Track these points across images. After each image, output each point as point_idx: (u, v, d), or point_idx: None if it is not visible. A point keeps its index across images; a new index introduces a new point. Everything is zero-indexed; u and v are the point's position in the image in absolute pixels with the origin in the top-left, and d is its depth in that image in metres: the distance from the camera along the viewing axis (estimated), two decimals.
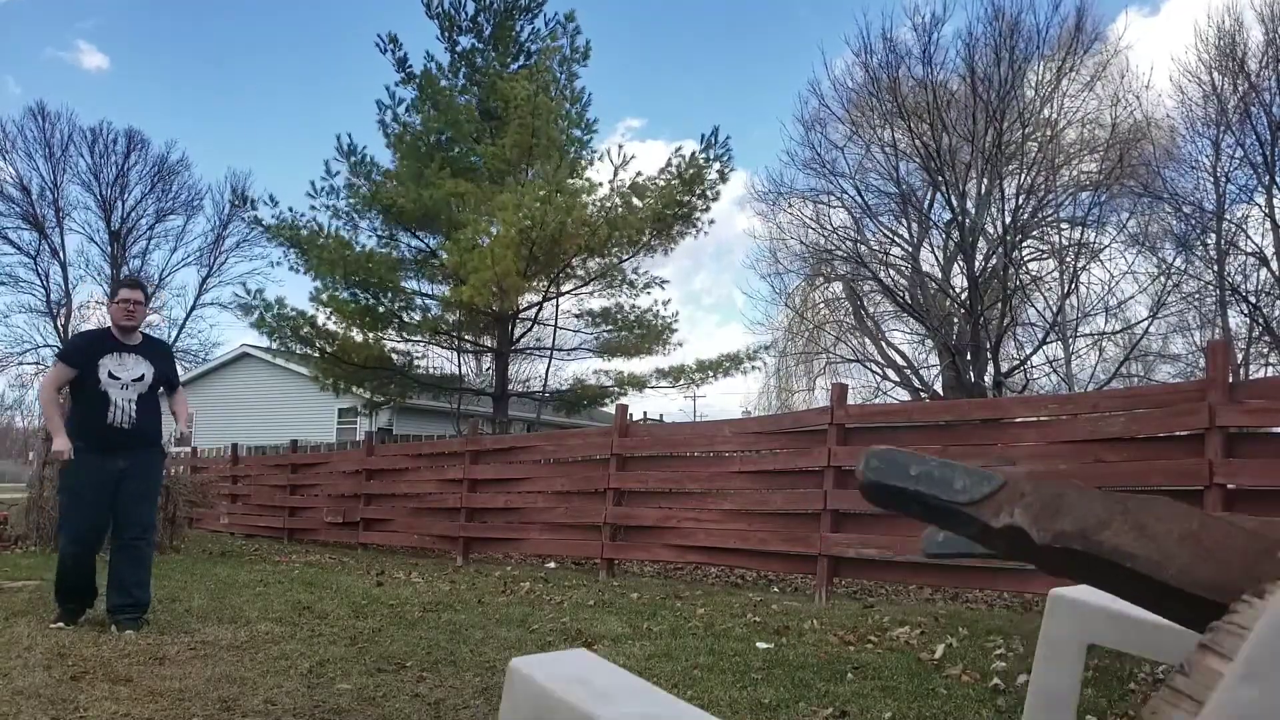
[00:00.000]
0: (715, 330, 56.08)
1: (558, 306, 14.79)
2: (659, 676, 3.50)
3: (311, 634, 4.39)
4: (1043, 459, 5.22)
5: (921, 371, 19.52)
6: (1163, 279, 16.97)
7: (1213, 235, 16.82)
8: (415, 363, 15.35)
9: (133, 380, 4.53)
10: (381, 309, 13.91)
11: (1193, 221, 16.99)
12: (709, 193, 13.12)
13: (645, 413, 26.44)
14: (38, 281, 32.14)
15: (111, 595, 4.49)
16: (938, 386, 18.60)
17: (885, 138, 18.09)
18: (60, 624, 4.44)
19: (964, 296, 17.53)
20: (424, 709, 3.10)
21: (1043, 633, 2.05)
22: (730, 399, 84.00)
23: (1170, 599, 0.89)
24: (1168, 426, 4.84)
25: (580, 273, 14.09)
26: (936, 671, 3.57)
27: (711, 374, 14.62)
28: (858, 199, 18.82)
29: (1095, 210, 16.90)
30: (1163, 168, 17.18)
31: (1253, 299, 16.44)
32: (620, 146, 24.10)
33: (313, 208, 13.67)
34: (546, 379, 15.68)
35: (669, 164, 13.04)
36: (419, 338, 14.86)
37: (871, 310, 20.24)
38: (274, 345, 15.10)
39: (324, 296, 13.31)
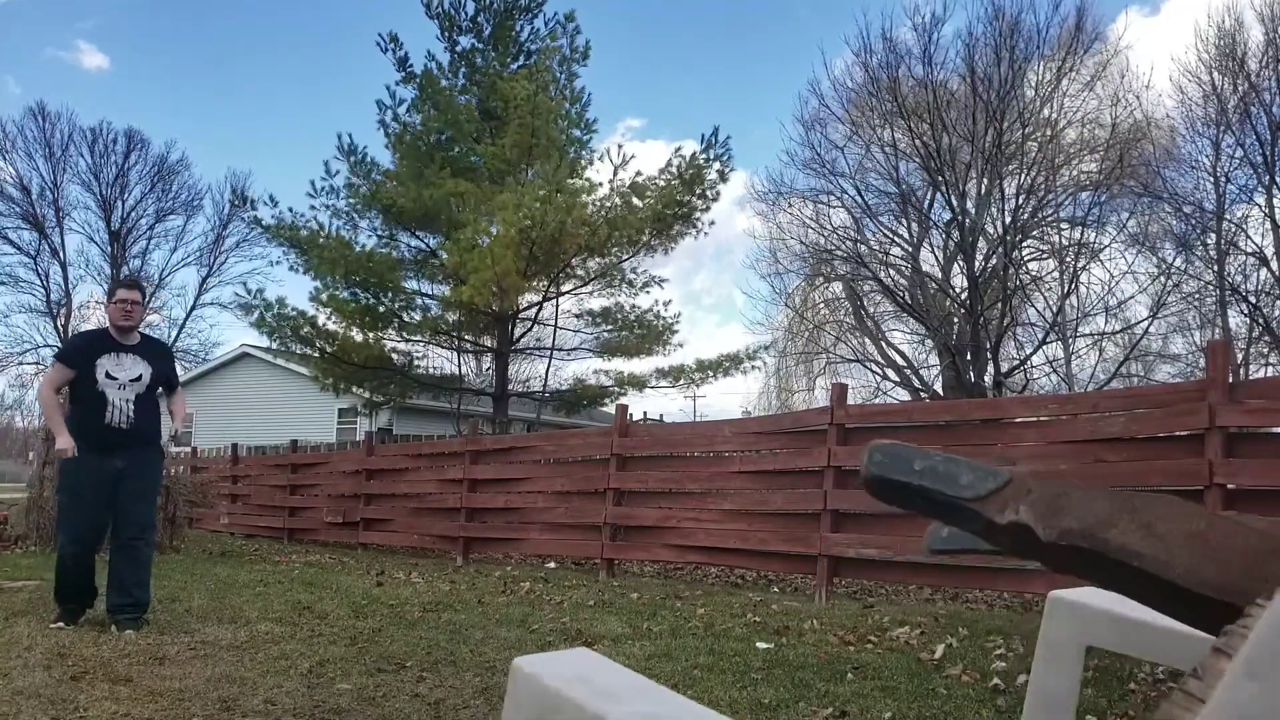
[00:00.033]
0: (715, 330, 56.12)
1: (557, 306, 14.82)
2: (659, 677, 3.50)
3: (311, 634, 4.39)
4: (1043, 459, 5.22)
5: (921, 371, 19.53)
6: (1163, 279, 16.99)
7: (1213, 235, 16.83)
8: (415, 363, 15.35)
9: (130, 380, 4.53)
10: (382, 308, 13.92)
11: (1193, 221, 17.00)
12: (709, 193, 13.13)
13: (645, 413, 26.46)
14: (38, 281, 32.18)
15: (111, 595, 4.49)
16: (938, 386, 18.60)
17: (885, 138, 18.10)
18: (60, 624, 4.44)
19: (964, 296, 17.54)
20: (424, 709, 3.10)
21: (1041, 634, 2.05)
22: (730, 399, 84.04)
23: (1176, 598, 0.88)
24: (1168, 426, 4.84)
25: (580, 272, 14.10)
26: (936, 671, 3.57)
27: (711, 374, 14.62)
28: (858, 199, 18.84)
29: (1095, 210, 16.92)
30: (1163, 168, 17.19)
31: (1253, 299, 16.44)
32: (620, 146, 24.14)
33: (312, 208, 13.70)
34: (546, 379, 15.69)
35: (669, 164, 13.07)
36: (419, 337, 14.86)
37: (871, 310, 20.25)
38: (274, 345, 15.10)
39: (324, 296, 13.31)
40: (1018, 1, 17.69)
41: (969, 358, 17.26)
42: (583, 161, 13.88)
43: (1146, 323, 17.16)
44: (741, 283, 64.51)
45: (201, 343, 33.34)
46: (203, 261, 33.59)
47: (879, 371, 19.93)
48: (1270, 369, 16.82)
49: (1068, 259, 17.04)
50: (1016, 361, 18.19)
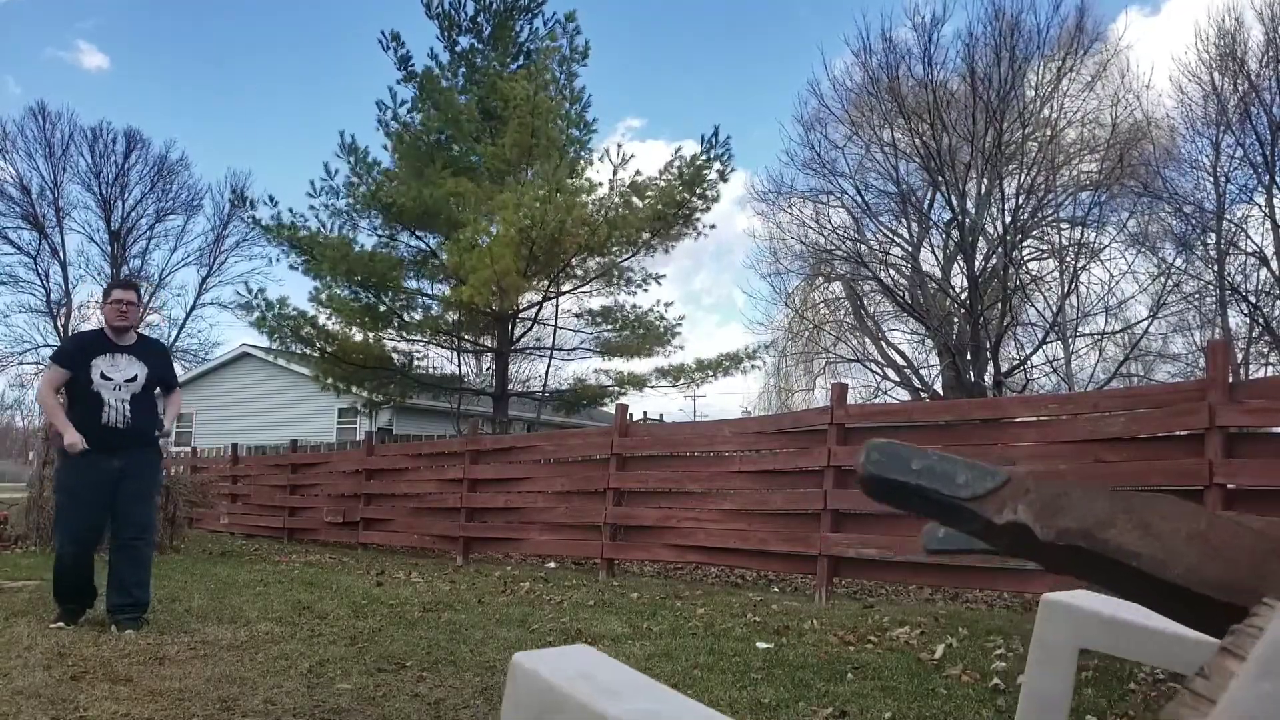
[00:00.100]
0: (715, 330, 56.13)
1: (557, 306, 14.82)
2: (659, 676, 3.50)
3: (311, 634, 4.39)
4: (1043, 459, 5.22)
5: (921, 371, 19.54)
6: (1163, 279, 16.99)
7: (1213, 235, 16.83)
8: (415, 363, 15.35)
9: (125, 381, 4.53)
10: (382, 308, 13.92)
11: (1193, 221, 17.00)
12: (709, 193, 13.13)
13: (645, 413, 26.45)
14: (38, 281, 32.20)
15: (111, 595, 4.49)
16: (938, 386, 18.60)
17: (885, 138, 18.11)
18: (60, 624, 4.44)
19: (964, 296, 17.54)
20: (424, 709, 3.10)
21: (1035, 637, 2.05)
22: (730, 399, 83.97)
23: (1174, 598, 0.88)
24: (1168, 426, 4.84)
25: (580, 272, 14.10)
26: (936, 671, 3.57)
27: (711, 374, 14.62)
28: (858, 199, 18.85)
29: (1095, 210, 16.93)
30: (1163, 168, 17.20)
31: (1253, 299, 16.44)
32: (620, 146, 24.13)
33: (312, 208, 13.70)
34: (546, 379, 15.69)
35: (669, 164, 13.06)
36: (419, 337, 14.86)
37: (871, 310, 20.25)
38: (274, 345, 15.10)
39: (324, 296, 13.31)
40: (1018, 1, 17.71)
41: (969, 358, 17.26)
42: (582, 161, 13.87)
43: (1146, 323, 17.18)
44: (741, 282, 64.58)
45: (201, 343, 33.40)
46: (203, 261, 33.66)
47: (879, 371, 19.95)
48: (1270, 369, 16.82)
49: (1068, 259, 17.05)
50: (1016, 361, 18.20)
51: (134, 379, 4.55)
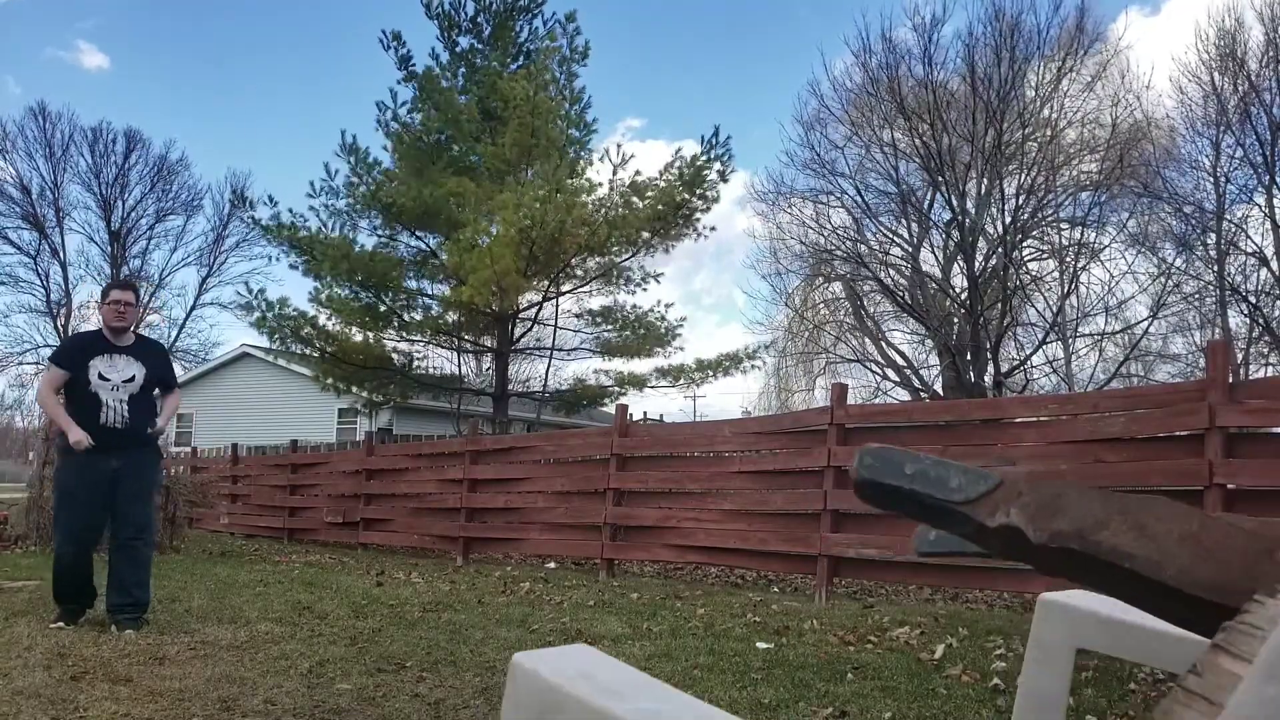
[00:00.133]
0: (715, 330, 56.13)
1: (557, 306, 14.82)
2: (659, 676, 3.49)
3: (311, 634, 4.39)
4: (1043, 459, 5.21)
5: (921, 371, 19.54)
6: (1163, 279, 17.00)
7: (1213, 235, 16.84)
8: (415, 363, 15.35)
9: (123, 381, 4.53)
10: (382, 308, 13.93)
11: (1193, 221, 17.00)
12: (709, 193, 13.13)
13: (645, 413, 26.46)
14: (38, 281, 32.18)
15: (111, 595, 4.49)
16: (938, 386, 18.60)
17: (885, 138, 18.11)
18: (60, 624, 4.44)
19: (964, 296, 17.54)
20: (424, 709, 3.10)
21: (1032, 636, 2.06)
22: (730, 399, 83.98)
23: (1169, 600, 0.88)
24: (1168, 426, 4.84)
25: (580, 272, 14.10)
26: (936, 671, 3.57)
27: (711, 374, 14.62)
28: (858, 199, 18.85)
29: (1095, 210, 16.93)
30: (1163, 168, 17.20)
31: (1253, 299, 16.44)
32: (619, 146, 24.15)
33: (312, 208, 13.70)
34: (546, 379, 15.69)
35: (670, 164, 13.07)
36: (419, 337, 14.86)
37: (871, 310, 20.26)
38: (274, 345, 15.11)
39: (324, 296, 13.32)
40: (1018, 2, 17.74)
41: (969, 358, 17.26)
42: (582, 161, 13.88)
43: (1146, 323, 17.18)
44: (742, 282, 64.54)
45: (201, 343, 33.38)
46: (203, 261, 33.64)
47: (879, 371, 19.95)
48: (1270, 369, 16.83)
49: (1068, 259, 17.06)
50: (1016, 361, 18.20)
51: (131, 379, 4.56)
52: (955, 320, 18.12)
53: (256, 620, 4.73)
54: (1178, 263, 17.06)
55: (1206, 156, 16.92)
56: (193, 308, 33.40)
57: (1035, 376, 18.11)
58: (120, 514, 4.51)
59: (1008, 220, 16.91)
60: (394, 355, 14.45)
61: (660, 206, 12.81)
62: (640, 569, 8.06)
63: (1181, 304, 17.26)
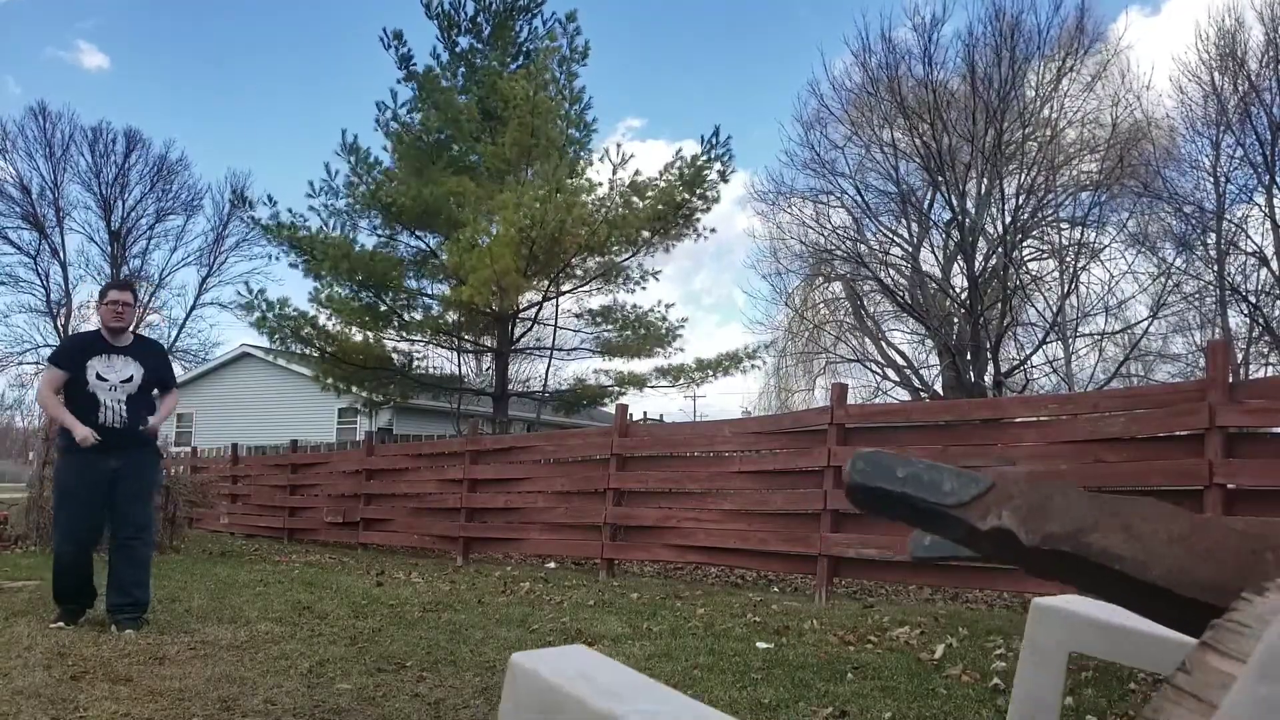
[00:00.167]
0: (715, 330, 56.13)
1: (557, 306, 14.82)
2: (659, 676, 3.50)
3: (311, 634, 4.39)
4: (1043, 459, 5.21)
5: (921, 371, 19.54)
6: (1163, 279, 17.00)
7: (1213, 235, 16.84)
8: (415, 363, 15.35)
9: (121, 382, 4.53)
10: (382, 308, 13.93)
11: (1193, 221, 17.00)
12: (709, 193, 13.13)
13: (645, 413, 26.46)
14: (38, 281, 32.16)
15: (111, 595, 4.49)
16: (938, 386, 18.60)
17: (885, 138, 18.11)
18: (60, 624, 4.44)
19: (964, 296, 17.54)
20: (424, 709, 3.10)
21: (1026, 640, 2.06)
22: (730, 399, 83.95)
23: (1158, 600, 0.89)
24: (1168, 426, 4.84)
25: (580, 272, 14.10)
26: (936, 671, 3.57)
27: (711, 373, 14.61)
28: (858, 199, 18.85)
29: (1095, 210, 16.94)
30: (1163, 168, 17.20)
31: (1253, 299, 16.44)
32: (619, 146, 24.14)
33: (312, 208, 13.71)
34: (546, 379, 15.69)
35: (670, 164, 13.07)
36: (419, 337, 14.86)
37: (871, 310, 20.26)
38: (274, 345, 15.11)
39: (324, 296, 13.32)
40: (1018, 1, 17.75)
41: (969, 358, 17.26)
42: (582, 161, 13.88)
43: (1146, 323, 17.19)
44: (742, 282, 64.49)
45: (201, 343, 33.36)
46: (203, 261, 33.62)
47: (879, 371, 19.96)
48: (1270, 369, 16.82)
49: (1068, 259, 17.06)
50: (1016, 361, 18.20)
51: (129, 380, 4.56)
52: (955, 320, 18.12)
53: (256, 620, 4.73)
54: (1178, 263, 17.08)
55: (1206, 156, 16.94)
56: (193, 308, 33.42)
57: (1035, 376, 18.13)
58: (120, 514, 4.51)
59: (1008, 220, 16.91)
60: (394, 355, 14.45)
61: (660, 206, 12.81)
62: (640, 569, 8.06)
63: (1181, 304, 17.28)
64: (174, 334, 32.45)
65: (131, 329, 4.79)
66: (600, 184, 12.90)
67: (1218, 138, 16.60)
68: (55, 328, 31.82)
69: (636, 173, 12.97)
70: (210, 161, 66.61)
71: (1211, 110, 16.63)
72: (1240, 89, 16.22)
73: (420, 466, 9.90)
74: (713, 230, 13.55)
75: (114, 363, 4.55)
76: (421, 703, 3.17)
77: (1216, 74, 16.53)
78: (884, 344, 20.09)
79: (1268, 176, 16.17)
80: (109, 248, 32.67)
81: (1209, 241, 16.99)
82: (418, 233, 14.37)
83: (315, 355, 14.21)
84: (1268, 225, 16.40)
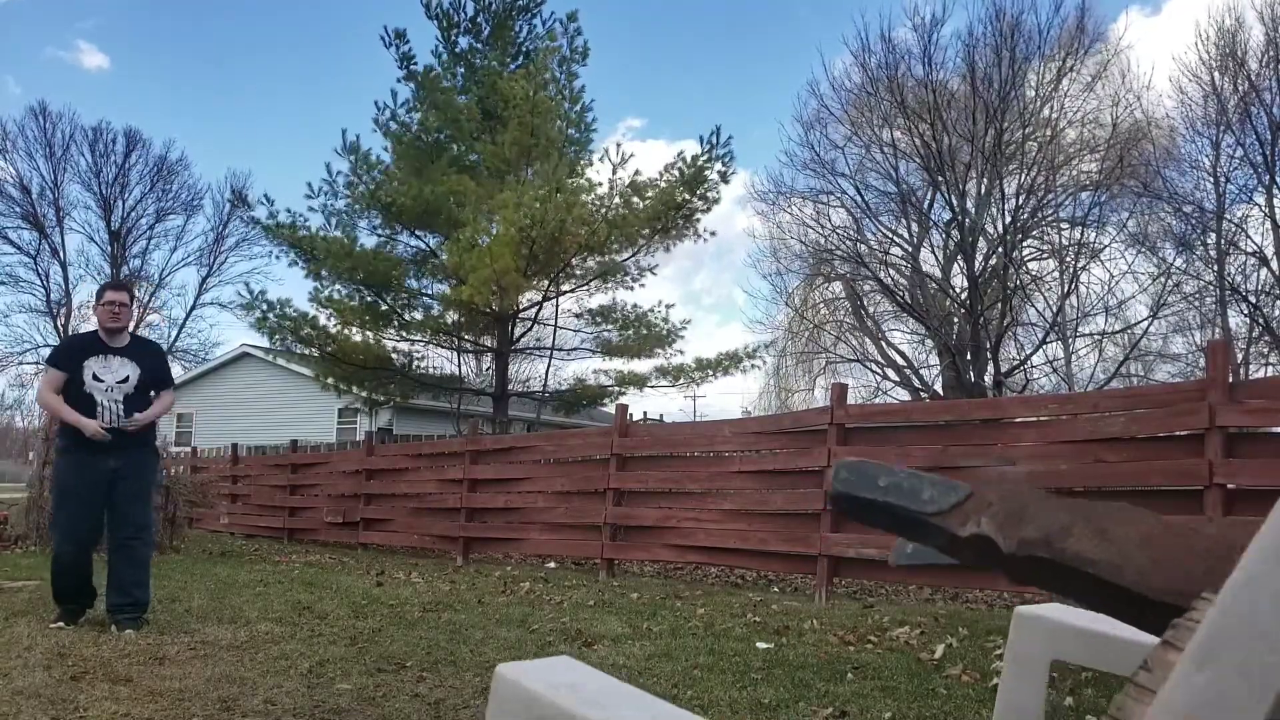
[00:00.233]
0: (715, 330, 56.12)
1: (557, 306, 14.81)
2: (659, 676, 3.51)
3: (311, 634, 4.39)
4: (1043, 459, 5.22)
5: (921, 371, 19.54)
6: (1163, 279, 16.99)
7: (1213, 235, 16.83)
8: (415, 363, 15.35)
9: (117, 382, 4.54)
10: (383, 308, 13.93)
11: (1193, 221, 17.00)
12: (710, 194, 13.12)
13: (645, 413, 26.46)
14: (38, 281, 32.16)
15: (111, 595, 4.49)
16: (938, 386, 18.60)
17: (885, 138, 18.11)
18: (60, 624, 4.44)
19: (964, 296, 17.54)
20: (424, 709, 3.10)
21: (1008, 648, 2.08)
22: (730, 399, 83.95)
23: (1131, 604, 0.89)
24: (1168, 426, 4.84)
25: (580, 272, 14.10)
26: (936, 671, 3.57)
27: (711, 373, 14.61)
28: (858, 199, 18.85)
29: (1095, 210, 16.93)
30: (1163, 168, 17.20)
31: (1253, 299, 16.44)
32: (619, 145, 24.09)
33: (311, 208, 13.71)
34: (546, 379, 15.68)
35: (670, 165, 13.07)
36: (419, 337, 14.86)
37: (871, 310, 20.25)
38: (275, 345, 15.11)
39: (324, 296, 13.32)
40: (1018, 1, 17.74)
41: (969, 358, 17.26)
42: (582, 161, 13.88)
43: (1146, 323, 17.18)
44: (742, 282, 64.49)
45: (201, 343, 33.35)
46: (203, 261, 33.61)
47: (879, 371, 19.95)
48: (1270, 369, 16.82)
49: (1068, 259, 17.05)
50: (1016, 361, 18.20)
51: (126, 380, 4.56)
52: (955, 320, 18.12)
53: (256, 620, 4.73)
54: (1178, 263, 17.08)
55: (1206, 156, 16.94)
56: (193, 308, 33.41)
57: (1035, 376, 18.13)
58: (119, 514, 4.51)
59: (1008, 220, 16.91)
60: (394, 355, 14.45)
61: (660, 206, 12.81)
62: (640, 569, 8.06)
63: (1181, 304, 17.27)
64: (174, 334, 32.48)
65: (130, 329, 4.78)
66: (600, 184, 12.91)
67: (1218, 138, 16.61)
68: (55, 328, 31.82)
69: (636, 173, 12.98)
70: (210, 161, 66.68)
71: (1211, 110, 16.65)
72: (1240, 89, 16.22)
73: (420, 466, 9.90)
74: (713, 233, 13.59)
75: (110, 363, 4.55)
76: (421, 703, 3.17)
77: (1216, 74, 16.54)
78: (884, 344, 20.10)
79: (1268, 176, 16.17)
80: (109, 248, 32.69)
81: (1209, 241, 17.00)
82: (418, 232, 14.37)
83: (315, 355, 14.21)
84: (1268, 225, 16.40)
